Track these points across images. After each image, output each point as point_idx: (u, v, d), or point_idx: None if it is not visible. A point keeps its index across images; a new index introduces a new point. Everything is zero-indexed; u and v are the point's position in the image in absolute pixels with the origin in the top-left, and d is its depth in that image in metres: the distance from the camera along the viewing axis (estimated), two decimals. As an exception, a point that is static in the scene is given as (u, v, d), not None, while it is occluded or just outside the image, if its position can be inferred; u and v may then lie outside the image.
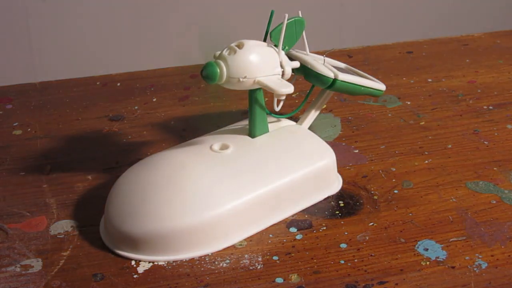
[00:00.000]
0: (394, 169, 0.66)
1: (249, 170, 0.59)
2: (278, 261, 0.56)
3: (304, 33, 0.63)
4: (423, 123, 0.73)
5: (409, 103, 0.77)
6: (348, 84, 0.64)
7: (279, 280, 0.54)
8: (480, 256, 0.55)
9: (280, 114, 0.64)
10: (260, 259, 0.56)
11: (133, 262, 0.56)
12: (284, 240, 0.58)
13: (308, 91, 0.66)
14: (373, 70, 0.84)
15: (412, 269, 0.54)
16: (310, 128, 0.66)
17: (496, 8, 1.14)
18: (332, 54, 0.70)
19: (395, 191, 0.63)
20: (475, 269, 0.54)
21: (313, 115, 0.66)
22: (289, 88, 0.57)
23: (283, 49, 0.60)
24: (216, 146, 0.60)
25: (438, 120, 0.74)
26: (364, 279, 0.53)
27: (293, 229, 0.59)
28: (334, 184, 0.63)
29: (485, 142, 0.70)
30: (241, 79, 0.56)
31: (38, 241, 0.58)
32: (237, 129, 0.63)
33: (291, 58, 0.63)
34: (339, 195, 0.63)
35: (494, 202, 0.61)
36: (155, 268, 0.55)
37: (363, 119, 0.74)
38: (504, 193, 0.62)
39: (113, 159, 0.69)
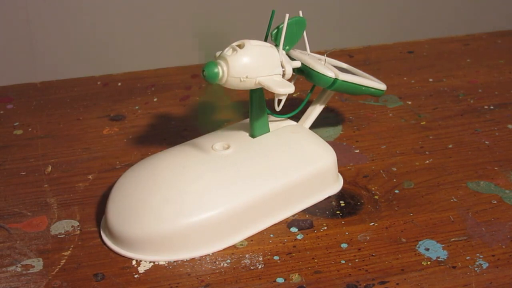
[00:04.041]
0: (395, 169, 0.66)
1: (249, 170, 0.59)
2: (279, 261, 0.56)
3: (305, 33, 0.63)
4: (424, 123, 0.73)
5: (410, 103, 0.77)
6: (349, 84, 0.64)
7: (280, 280, 0.54)
8: (481, 256, 0.55)
9: (281, 113, 0.64)
10: (261, 259, 0.56)
11: (134, 262, 0.56)
12: (285, 240, 0.58)
13: (309, 91, 0.66)
14: (374, 70, 0.84)
15: (413, 269, 0.54)
16: (311, 128, 0.66)
17: (497, 8, 1.14)
18: (333, 54, 0.70)
19: (396, 191, 0.63)
20: (476, 269, 0.54)
21: (314, 115, 0.66)
22: (289, 88, 0.57)
23: (284, 49, 0.61)
24: (217, 146, 0.60)
25: (439, 120, 0.74)
26: (365, 279, 0.53)
27: (294, 229, 0.59)
28: (335, 184, 0.63)
29: (486, 142, 0.70)
30: (242, 79, 0.56)
31: (39, 241, 0.58)
32: (238, 129, 0.63)
33: (292, 58, 0.63)
34: (340, 195, 0.63)
35: (495, 202, 0.61)
36: (156, 268, 0.55)
37: (364, 119, 0.74)
38: (505, 193, 0.62)
39: (113, 159, 0.69)
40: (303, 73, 0.63)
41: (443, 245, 0.57)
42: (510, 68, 0.84)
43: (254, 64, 0.57)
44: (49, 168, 0.68)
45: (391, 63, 0.87)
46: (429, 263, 0.55)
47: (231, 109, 0.76)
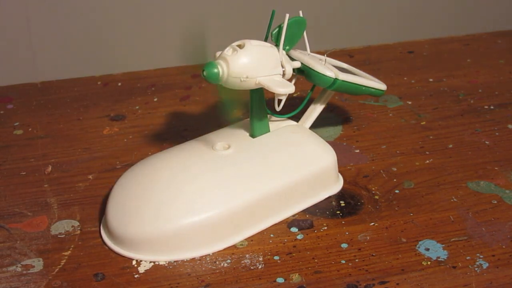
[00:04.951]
0: (395, 169, 0.66)
1: (250, 170, 0.59)
2: (279, 261, 0.56)
3: (305, 33, 0.63)
4: (424, 123, 0.73)
5: (410, 103, 0.77)
6: (349, 84, 0.64)
7: (280, 280, 0.54)
8: (481, 256, 0.55)
9: (281, 113, 0.64)
10: (261, 259, 0.56)
11: (134, 262, 0.56)
12: (285, 240, 0.58)
13: (309, 91, 0.66)
14: (374, 70, 0.84)
15: (413, 269, 0.54)
16: (311, 128, 0.66)
17: (497, 8, 1.14)
18: (333, 54, 0.70)
19: (396, 191, 0.63)
20: (476, 269, 0.54)
21: (314, 115, 0.66)
22: (290, 88, 0.57)
23: (284, 49, 0.61)
24: (217, 146, 0.60)
25: (439, 120, 0.74)
26: (365, 279, 0.53)
27: (294, 229, 0.59)
28: (335, 184, 0.63)
29: (486, 142, 0.70)
30: (242, 79, 0.56)
31: (39, 241, 0.58)
32: (238, 129, 0.63)
33: (292, 58, 0.63)
34: (340, 195, 0.63)
35: (495, 202, 0.61)
36: (156, 268, 0.55)
37: (364, 119, 0.74)
38: (505, 193, 0.62)
39: (114, 159, 0.69)
40: (303, 73, 0.63)
41: (443, 245, 0.57)
42: (510, 68, 0.84)
43: (254, 64, 0.57)
44: (49, 168, 0.68)
45: (391, 63, 0.87)
46: (429, 263, 0.55)
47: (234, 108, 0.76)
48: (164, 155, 0.61)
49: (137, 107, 0.78)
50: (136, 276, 0.55)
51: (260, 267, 0.55)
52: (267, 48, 0.58)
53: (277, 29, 0.61)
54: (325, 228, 0.59)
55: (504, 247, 0.56)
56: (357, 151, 0.69)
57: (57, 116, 0.77)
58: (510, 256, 0.55)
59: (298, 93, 0.79)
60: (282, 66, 0.59)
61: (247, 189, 0.58)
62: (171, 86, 0.82)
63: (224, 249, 0.57)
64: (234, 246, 0.57)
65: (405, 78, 0.83)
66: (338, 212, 0.61)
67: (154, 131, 0.73)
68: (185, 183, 0.57)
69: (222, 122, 0.73)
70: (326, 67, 0.62)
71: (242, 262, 0.56)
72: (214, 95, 0.79)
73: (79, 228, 0.60)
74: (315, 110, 0.66)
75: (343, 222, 0.59)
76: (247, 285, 0.53)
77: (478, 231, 0.58)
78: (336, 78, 0.62)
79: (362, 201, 0.62)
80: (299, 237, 0.58)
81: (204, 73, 0.56)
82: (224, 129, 0.64)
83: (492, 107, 0.76)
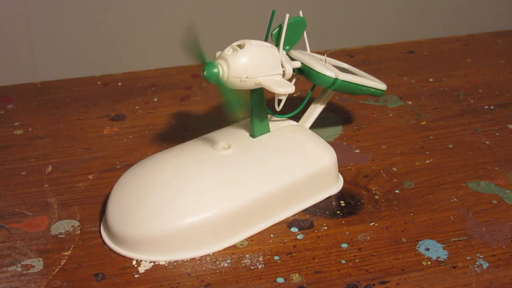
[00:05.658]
0: (395, 169, 0.66)
1: (250, 170, 0.59)
2: (279, 261, 0.56)
3: (305, 33, 0.63)
4: (424, 123, 0.73)
5: (410, 103, 0.77)
6: (349, 84, 0.64)
7: (280, 280, 0.54)
8: (481, 256, 0.55)
9: (281, 113, 0.64)
10: (261, 259, 0.56)
11: (134, 262, 0.56)
12: (285, 240, 0.58)
13: (309, 91, 0.66)
14: (374, 70, 0.84)
15: (413, 269, 0.54)
16: (311, 128, 0.66)
17: (497, 8, 1.14)
18: (333, 54, 0.70)
19: (396, 191, 0.63)
20: (476, 269, 0.54)
21: (314, 115, 0.66)
22: (290, 88, 0.57)
23: (284, 49, 0.61)
24: (217, 146, 0.60)
25: (439, 120, 0.74)
26: (365, 279, 0.53)
27: (294, 229, 0.59)
28: (335, 184, 0.63)
29: (486, 142, 0.70)
30: (242, 79, 0.56)
31: (39, 241, 0.58)
32: (238, 129, 0.63)
33: (292, 58, 0.63)
34: (340, 195, 0.63)
35: (495, 202, 0.61)
36: (156, 268, 0.55)
37: (364, 119, 0.74)
38: (505, 193, 0.62)
39: (113, 159, 0.69)
40: (303, 73, 0.63)
41: (443, 245, 0.57)
42: (510, 68, 0.84)
43: (254, 64, 0.57)
44: (49, 168, 0.68)
45: (391, 63, 0.87)
46: (429, 263, 0.55)
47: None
48: (164, 155, 0.61)
49: (137, 107, 0.78)
50: (136, 276, 0.55)
51: (260, 267, 0.55)
52: (267, 48, 0.58)
53: (277, 29, 0.61)
54: (325, 228, 0.59)
55: (504, 247, 0.56)
56: (357, 151, 0.69)
57: (57, 116, 0.77)
58: (510, 256, 0.55)
59: (298, 93, 0.79)
60: (282, 66, 0.59)
61: (247, 189, 0.58)
62: (171, 86, 0.82)
63: (224, 249, 0.57)
64: (234, 246, 0.57)
65: (405, 78, 0.83)
66: (338, 212, 0.61)
67: (154, 131, 0.73)
68: (185, 183, 0.57)
69: (223, 122, 0.73)
70: (326, 67, 0.62)
71: (242, 262, 0.56)
72: (215, 95, 0.79)
73: (79, 228, 0.60)
74: (315, 110, 0.66)
75: (343, 222, 0.59)
76: (247, 285, 0.53)
77: (478, 231, 0.58)
78: (336, 78, 0.62)
79: (362, 201, 0.62)
80: (299, 237, 0.58)
81: (204, 73, 0.56)
82: (224, 129, 0.64)
83: (492, 107, 0.76)
